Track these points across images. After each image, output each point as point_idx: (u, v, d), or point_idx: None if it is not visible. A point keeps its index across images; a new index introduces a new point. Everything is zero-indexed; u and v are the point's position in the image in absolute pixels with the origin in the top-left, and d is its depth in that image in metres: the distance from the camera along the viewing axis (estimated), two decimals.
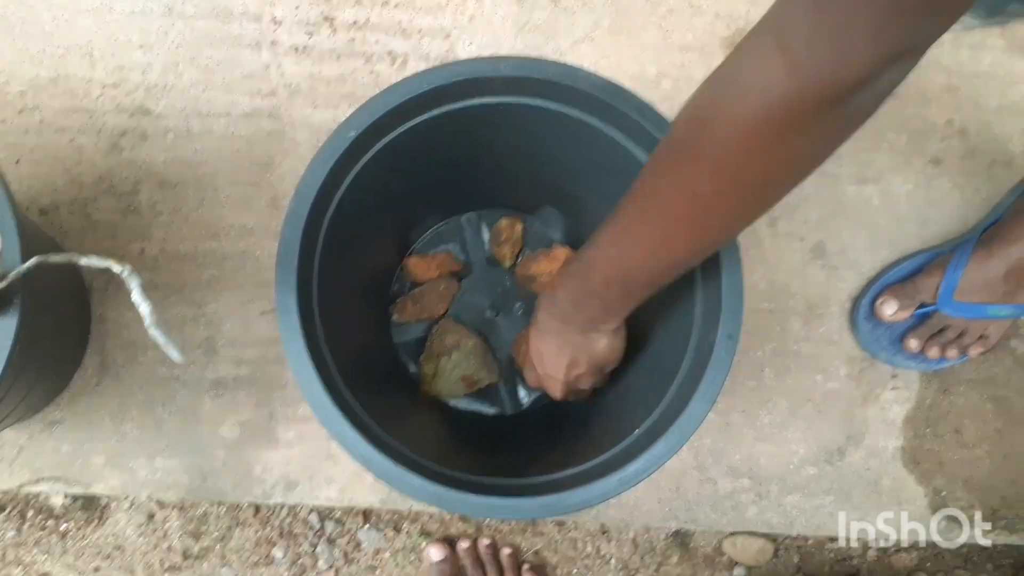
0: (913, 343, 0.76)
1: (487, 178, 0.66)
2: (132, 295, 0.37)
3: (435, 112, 0.55)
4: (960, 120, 0.81)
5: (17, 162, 0.74)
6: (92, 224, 0.74)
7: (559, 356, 0.58)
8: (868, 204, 0.80)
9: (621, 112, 0.53)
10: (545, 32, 0.77)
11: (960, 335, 0.75)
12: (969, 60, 0.81)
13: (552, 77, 0.52)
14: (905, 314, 0.75)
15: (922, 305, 0.75)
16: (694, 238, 0.43)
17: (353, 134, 0.51)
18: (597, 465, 0.55)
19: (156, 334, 0.38)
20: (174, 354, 0.39)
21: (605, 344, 0.57)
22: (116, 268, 0.38)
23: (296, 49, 0.75)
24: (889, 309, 0.75)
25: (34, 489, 0.75)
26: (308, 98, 0.75)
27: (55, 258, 0.39)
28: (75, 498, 0.78)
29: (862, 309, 0.78)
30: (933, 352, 0.76)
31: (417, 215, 0.70)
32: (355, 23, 0.76)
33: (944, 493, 0.81)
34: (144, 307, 0.37)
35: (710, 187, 0.38)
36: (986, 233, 0.74)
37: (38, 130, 0.74)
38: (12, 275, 0.41)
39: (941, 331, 0.76)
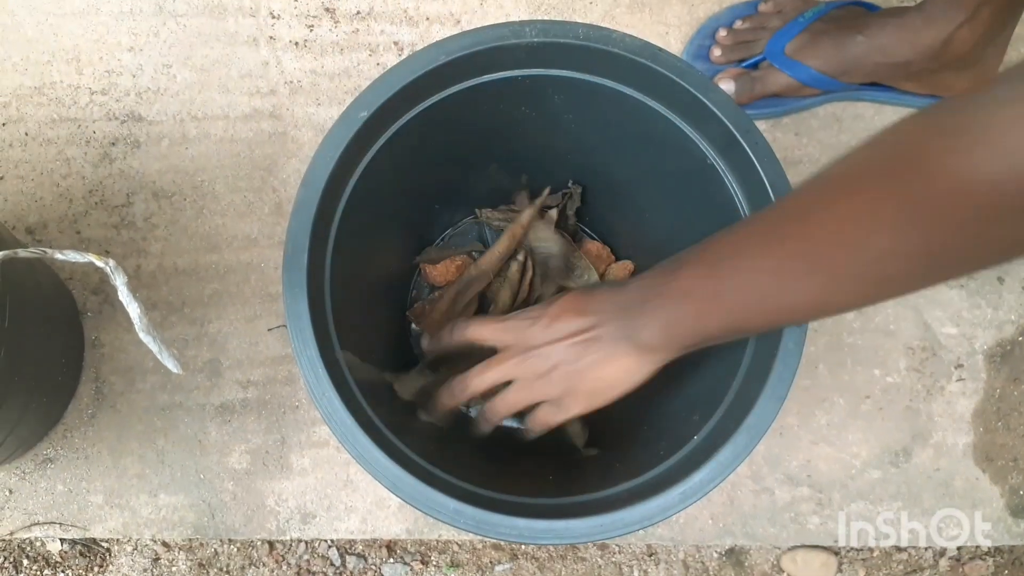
0: (717, 52, 0.71)
1: (511, 161, 0.60)
2: (119, 294, 0.32)
3: (453, 90, 0.50)
4: None
5: (1, 178, 0.69)
6: (83, 241, 0.69)
7: (578, 329, 0.46)
8: None
9: (660, 76, 0.47)
10: (561, 12, 0.72)
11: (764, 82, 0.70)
12: None
13: (583, 41, 0.47)
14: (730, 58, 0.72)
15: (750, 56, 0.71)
16: (842, 289, 0.33)
17: (364, 114, 0.46)
18: (654, 478, 0.48)
19: (148, 340, 0.33)
20: (169, 363, 0.33)
21: (626, 365, 0.45)
22: (98, 263, 0.32)
23: (296, 44, 0.70)
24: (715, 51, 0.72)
25: (28, 535, 0.69)
26: (311, 95, 0.70)
27: (24, 253, 0.34)
28: (73, 543, 0.71)
29: (692, 48, 0.73)
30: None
31: (435, 209, 0.64)
32: (358, 13, 0.71)
33: (1023, 492, 0.74)
34: (133, 308, 0.32)
35: (920, 241, 0.29)
36: (847, 9, 0.70)
37: (23, 143, 0.69)
38: None
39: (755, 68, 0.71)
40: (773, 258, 0.35)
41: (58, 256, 0.33)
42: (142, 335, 0.33)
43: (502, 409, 0.50)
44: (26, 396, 0.58)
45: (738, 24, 0.71)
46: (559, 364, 0.46)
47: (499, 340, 0.49)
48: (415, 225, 0.64)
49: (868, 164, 0.31)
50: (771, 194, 0.47)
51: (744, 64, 0.71)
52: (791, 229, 0.34)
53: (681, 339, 0.43)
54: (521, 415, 0.53)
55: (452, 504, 0.43)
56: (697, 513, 0.72)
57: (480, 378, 0.49)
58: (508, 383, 0.50)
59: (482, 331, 0.51)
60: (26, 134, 0.69)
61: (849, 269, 0.32)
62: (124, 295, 0.32)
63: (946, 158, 0.27)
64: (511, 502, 0.46)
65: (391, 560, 0.73)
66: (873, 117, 0.75)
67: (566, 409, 0.48)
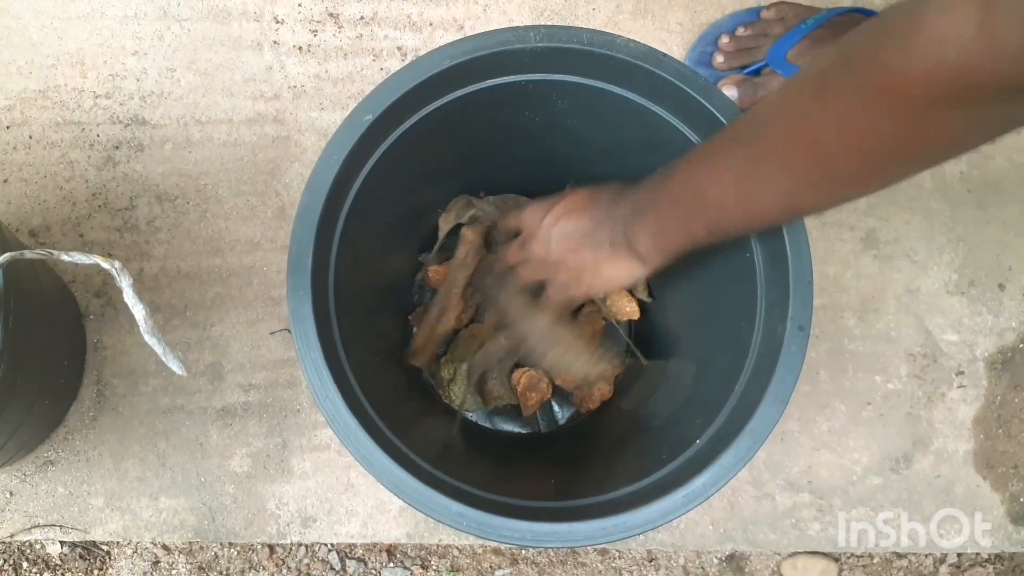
0: (720, 58, 0.72)
1: (515, 165, 0.60)
2: (124, 295, 0.32)
3: (457, 94, 0.50)
4: None
5: (5, 181, 0.69)
6: (86, 244, 0.69)
7: (576, 231, 0.50)
8: (920, 187, 0.74)
9: (664, 81, 0.48)
10: (564, 18, 0.72)
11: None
12: None
13: (586, 46, 0.47)
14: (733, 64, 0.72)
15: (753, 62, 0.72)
16: (805, 188, 0.36)
17: (369, 118, 0.46)
18: (656, 481, 0.48)
19: (152, 341, 0.33)
20: (174, 364, 0.33)
21: (624, 267, 0.48)
22: (104, 265, 0.32)
23: (300, 48, 0.71)
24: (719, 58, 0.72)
25: (28, 537, 0.68)
26: (314, 100, 0.70)
27: (30, 254, 0.34)
28: (73, 545, 0.71)
29: (694, 55, 0.74)
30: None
31: (439, 212, 0.64)
32: (362, 18, 0.71)
33: (1023, 499, 0.74)
34: (138, 309, 0.32)
35: (864, 133, 0.31)
36: (849, 16, 0.70)
37: (27, 146, 0.69)
38: None
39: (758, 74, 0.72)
40: (743, 158, 0.38)
41: (64, 257, 0.33)
42: (147, 336, 0.33)
43: (518, 280, 0.57)
44: (29, 398, 0.57)
45: (740, 31, 0.72)
46: (564, 254, 0.51)
47: (520, 225, 0.56)
48: (419, 228, 0.64)
49: (820, 68, 0.34)
50: None
51: (746, 71, 0.71)
52: (758, 131, 0.37)
53: (672, 244, 0.45)
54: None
55: (455, 507, 0.43)
56: (698, 518, 0.72)
57: (507, 255, 0.57)
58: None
59: (508, 224, 0.58)
60: (30, 137, 0.70)
61: (806, 166, 0.34)
62: (129, 296, 0.32)
63: (883, 55, 0.29)
64: (513, 505, 0.46)
65: (391, 564, 0.73)
66: None
67: (570, 291, 0.53)
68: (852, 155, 0.33)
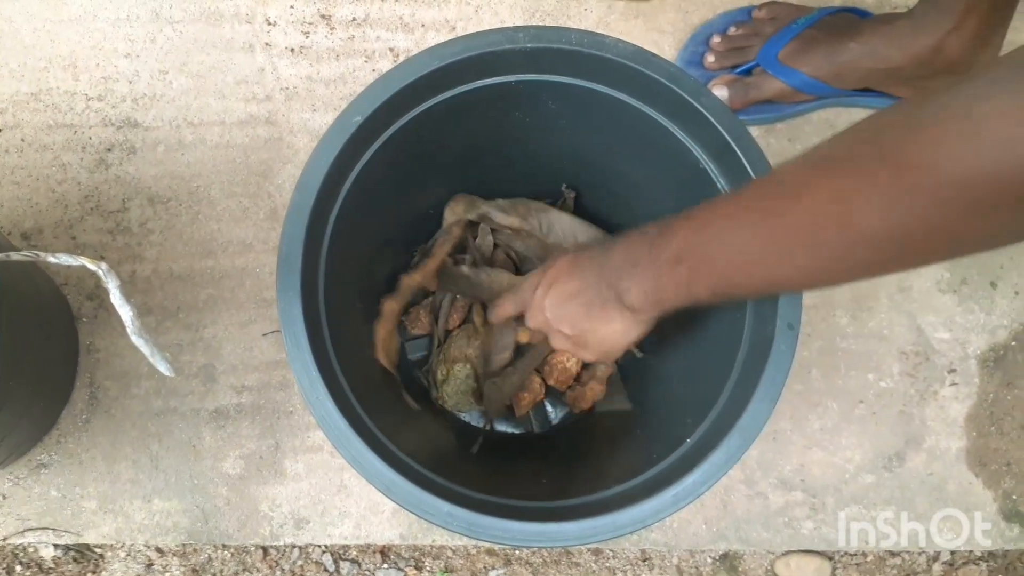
0: (711, 58, 0.72)
1: (505, 168, 0.60)
2: (111, 297, 0.32)
3: (447, 95, 0.50)
4: None
5: None
6: (79, 246, 0.69)
7: (566, 295, 0.49)
8: None
9: (653, 81, 0.48)
10: (556, 19, 0.72)
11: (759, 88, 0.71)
12: None
13: (576, 46, 0.47)
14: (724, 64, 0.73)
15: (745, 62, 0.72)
16: (830, 265, 0.34)
17: (359, 119, 0.46)
18: (647, 481, 0.49)
19: (140, 343, 0.33)
20: (162, 366, 0.33)
21: (620, 326, 0.47)
22: (91, 266, 0.32)
23: (292, 50, 0.71)
24: (710, 57, 0.73)
25: (21, 541, 0.68)
26: (306, 101, 0.70)
27: (17, 256, 0.34)
28: (66, 549, 0.71)
29: (685, 55, 0.74)
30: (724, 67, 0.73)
31: (430, 213, 0.64)
32: (354, 20, 0.71)
33: (1015, 496, 0.74)
34: (125, 311, 0.32)
35: (911, 225, 0.30)
36: (839, 16, 0.71)
37: (19, 148, 0.69)
38: None
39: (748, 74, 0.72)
40: (764, 230, 0.36)
41: (51, 259, 0.33)
42: (134, 338, 0.33)
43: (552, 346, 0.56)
44: (21, 401, 0.57)
45: (732, 30, 0.72)
46: (560, 322, 0.50)
47: (518, 310, 0.56)
48: (410, 229, 0.64)
49: (855, 150, 0.32)
50: None
51: (738, 70, 0.71)
52: (785, 204, 0.35)
53: (667, 301, 0.44)
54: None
55: (445, 507, 0.43)
56: (691, 518, 0.72)
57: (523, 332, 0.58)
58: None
59: (503, 309, 0.57)
60: (22, 140, 0.70)
61: (835, 248, 0.33)
62: (116, 298, 0.32)
63: (920, 152, 0.28)
64: (504, 505, 0.46)
65: (385, 566, 0.73)
66: None
67: (583, 356, 0.53)
68: (888, 244, 0.31)
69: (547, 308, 0.50)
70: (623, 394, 0.65)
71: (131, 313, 0.32)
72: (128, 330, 0.33)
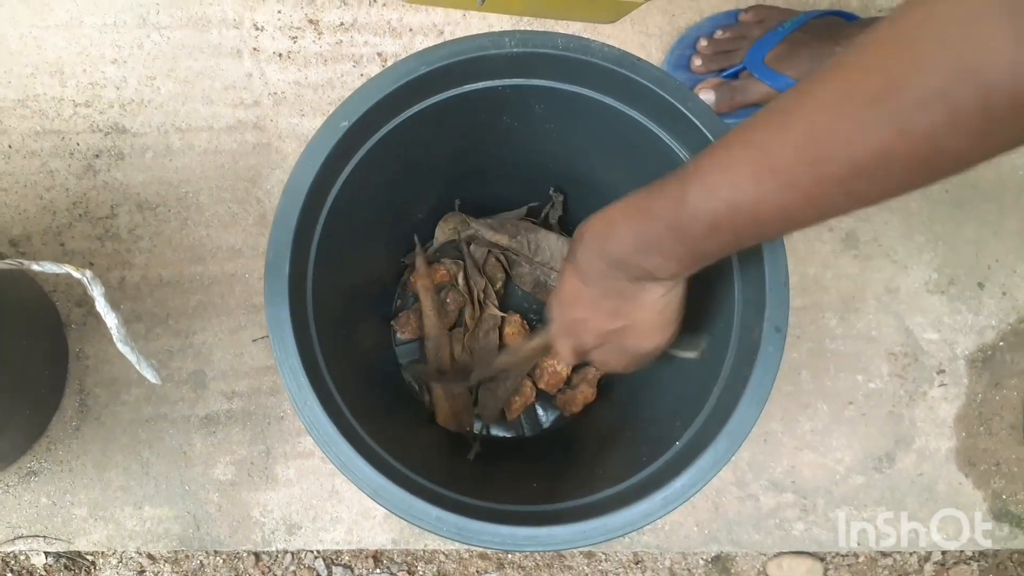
0: (697, 62, 0.72)
1: (494, 171, 0.61)
2: (97, 305, 0.32)
3: (435, 99, 0.50)
4: None
5: None
6: (67, 253, 0.69)
7: (600, 302, 0.45)
8: None
9: (639, 85, 0.48)
10: (543, 24, 0.72)
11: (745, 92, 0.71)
12: None
13: (562, 51, 0.47)
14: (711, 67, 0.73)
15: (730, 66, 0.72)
16: (852, 189, 0.32)
17: (346, 124, 0.46)
18: (636, 484, 0.49)
19: (126, 350, 0.33)
20: (148, 373, 0.33)
21: (661, 298, 0.44)
22: (75, 274, 0.32)
23: (280, 55, 0.71)
24: (696, 61, 0.72)
25: (12, 549, 0.68)
26: (294, 106, 0.70)
27: (2, 264, 0.34)
28: (58, 556, 0.71)
29: (672, 58, 0.74)
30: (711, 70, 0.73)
31: (419, 218, 0.64)
32: (341, 24, 0.71)
33: (1005, 496, 0.75)
34: (111, 318, 0.32)
35: (933, 143, 0.29)
36: (826, 19, 0.71)
37: (6, 155, 0.69)
38: None
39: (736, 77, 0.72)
40: (797, 149, 0.33)
41: (35, 267, 0.33)
42: (120, 345, 0.33)
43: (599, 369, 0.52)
44: (9, 408, 0.57)
45: (718, 34, 0.72)
46: (591, 332, 0.47)
47: (553, 344, 0.52)
48: (399, 234, 0.64)
49: (853, 74, 0.31)
50: None
51: (724, 74, 0.71)
52: (786, 119, 0.33)
53: (679, 270, 0.41)
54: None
55: (434, 512, 0.43)
56: (682, 520, 0.72)
57: (569, 350, 0.51)
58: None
59: (532, 346, 0.54)
60: (9, 146, 0.69)
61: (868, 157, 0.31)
62: (102, 306, 0.32)
63: (975, 61, 0.27)
64: (494, 509, 0.46)
65: (377, 571, 0.73)
66: None
67: (625, 360, 0.49)
68: (926, 153, 0.30)
69: (573, 326, 0.48)
70: (696, 340, 0.61)
71: (116, 320, 0.32)
72: (114, 337, 0.33)
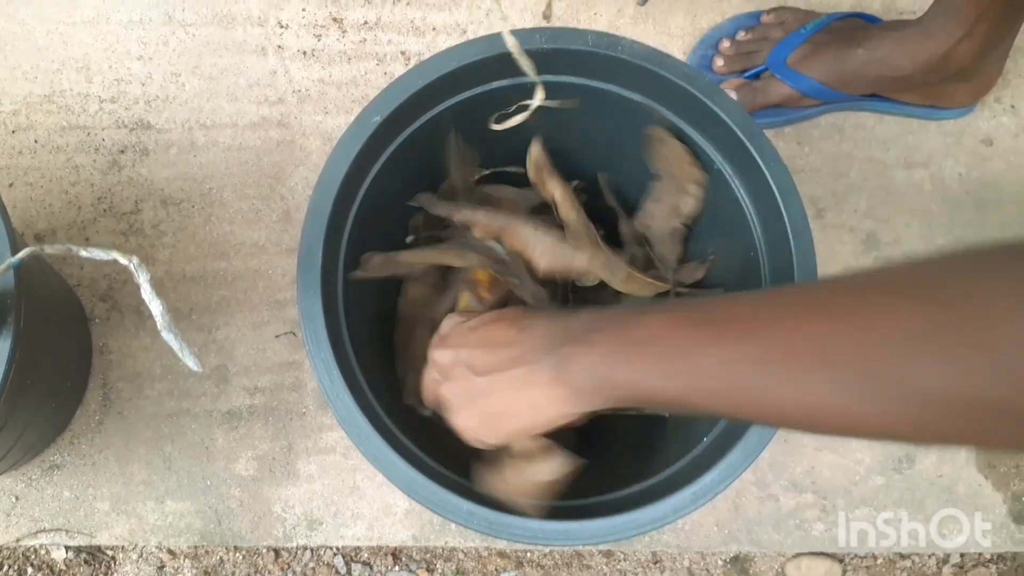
0: (719, 62, 0.73)
1: (519, 166, 0.61)
2: (142, 291, 0.32)
3: (464, 95, 0.50)
4: (1010, 96, 0.76)
5: (11, 185, 0.69)
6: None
7: (502, 342, 0.40)
8: (919, 190, 0.75)
9: (668, 81, 0.48)
10: (565, 23, 0.73)
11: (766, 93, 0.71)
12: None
13: (591, 47, 0.48)
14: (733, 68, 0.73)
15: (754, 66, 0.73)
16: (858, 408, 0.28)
17: (378, 119, 0.46)
18: (665, 480, 0.49)
19: (169, 338, 0.33)
20: (190, 361, 0.33)
21: (539, 398, 0.37)
22: (123, 260, 0.32)
23: (304, 53, 0.71)
24: (719, 62, 0.73)
25: (33, 542, 0.68)
26: (318, 104, 0.71)
27: (50, 249, 0.34)
28: (78, 551, 0.71)
29: (694, 59, 0.75)
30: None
31: None
32: (365, 23, 0.72)
33: None
34: (156, 305, 0.32)
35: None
36: (848, 21, 0.71)
37: (32, 150, 0.70)
38: (3, 267, 0.35)
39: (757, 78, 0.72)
40: (797, 333, 0.30)
41: (83, 253, 0.33)
42: (164, 333, 0.33)
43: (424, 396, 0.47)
44: (36, 401, 0.57)
45: (740, 35, 0.72)
46: (463, 368, 0.41)
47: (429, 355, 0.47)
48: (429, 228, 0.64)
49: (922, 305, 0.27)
50: (778, 198, 0.48)
51: (746, 75, 0.72)
52: (829, 310, 0.29)
53: (616, 388, 0.35)
54: None
55: (465, 505, 0.43)
56: (702, 519, 0.72)
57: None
58: None
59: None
60: (35, 141, 0.70)
61: (880, 384, 0.27)
62: (147, 292, 0.32)
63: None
64: None
65: (396, 568, 0.73)
66: (874, 127, 0.76)
67: (470, 426, 0.43)
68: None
69: (461, 346, 0.41)
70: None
71: (161, 308, 0.32)
72: (158, 324, 0.33)
